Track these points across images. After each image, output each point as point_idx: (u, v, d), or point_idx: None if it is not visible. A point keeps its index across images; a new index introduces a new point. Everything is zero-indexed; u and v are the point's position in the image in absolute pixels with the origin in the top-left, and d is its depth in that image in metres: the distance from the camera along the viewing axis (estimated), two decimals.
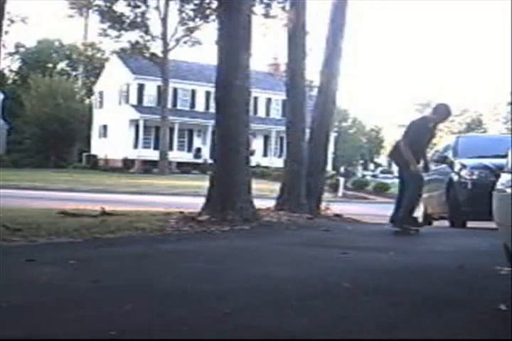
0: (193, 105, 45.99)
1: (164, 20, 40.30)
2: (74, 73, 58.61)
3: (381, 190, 31.39)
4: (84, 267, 4.97)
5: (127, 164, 42.41)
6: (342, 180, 30.29)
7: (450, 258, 5.86)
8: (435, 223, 11.99)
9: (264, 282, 4.46)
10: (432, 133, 8.78)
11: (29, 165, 42.18)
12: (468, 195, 9.89)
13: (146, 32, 40.04)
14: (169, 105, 42.03)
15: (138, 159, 42.49)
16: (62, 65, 60.89)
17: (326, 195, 14.95)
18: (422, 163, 8.69)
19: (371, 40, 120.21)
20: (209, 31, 36.93)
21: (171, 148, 42.07)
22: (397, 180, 9.70)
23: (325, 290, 4.21)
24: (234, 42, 9.02)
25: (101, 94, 49.68)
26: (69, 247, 6.24)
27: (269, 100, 47.63)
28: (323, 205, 11.58)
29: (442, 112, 8.71)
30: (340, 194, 28.55)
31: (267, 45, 41.77)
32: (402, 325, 3.35)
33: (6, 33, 25.61)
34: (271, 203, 11.26)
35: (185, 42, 41.43)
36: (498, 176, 4.83)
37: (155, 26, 40.87)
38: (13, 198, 14.82)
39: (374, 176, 57.94)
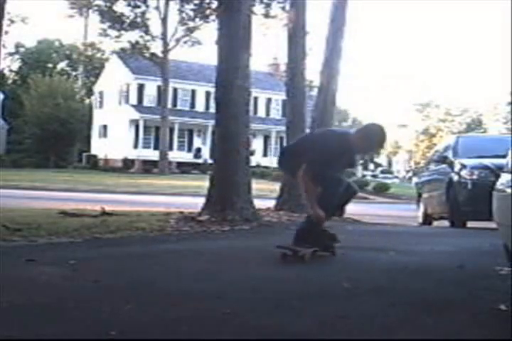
0: (193, 105, 46.00)
1: (164, 20, 40.30)
2: (74, 73, 58.66)
3: (381, 190, 31.42)
4: (85, 267, 4.96)
5: (127, 164, 42.41)
6: None
7: (450, 258, 5.85)
8: (435, 223, 12.00)
9: (264, 282, 4.46)
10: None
11: (29, 165, 42.19)
12: (468, 195, 9.89)
13: (146, 32, 40.05)
14: (169, 105, 42.04)
15: (138, 159, 42.49)
16: (62, 65, 61.00)
17: None
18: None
19: (371, 40, 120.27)
20: (209, 31, 36.97)
21: (171, 148, 42.07)
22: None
23: (325, 290, 4.20)
24: (234, 42, 9.01)
25: (101, 94, 49.70)
26: (69, 247, 6.23)
27: (269, 100, 47.64)
28: None
29: (370, 139, 5.46)
30: None
31: (267, 45, 41.74)
32: (402, 325, 3.35)
33: (6, 33, 25.70)
34: (271, 203, 11.26)
35: (185, 42, 41.46)
36: (498, 176, 4.82)
37: (155, 26, 40.95)
38: (13, 198, 14.81)
39: (374, 176, 57.98)
